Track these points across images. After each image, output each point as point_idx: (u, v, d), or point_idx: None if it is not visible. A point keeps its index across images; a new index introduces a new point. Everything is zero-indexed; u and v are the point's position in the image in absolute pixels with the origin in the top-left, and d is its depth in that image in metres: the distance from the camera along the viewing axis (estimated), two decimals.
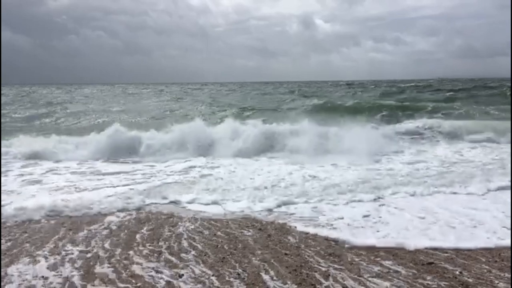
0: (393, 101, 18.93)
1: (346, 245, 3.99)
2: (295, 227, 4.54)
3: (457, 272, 3.38)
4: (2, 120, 15.18)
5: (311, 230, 4.41)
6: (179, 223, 4.71)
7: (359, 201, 5.45)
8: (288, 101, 24.35)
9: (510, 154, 7.76)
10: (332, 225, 4.59)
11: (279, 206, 5.27)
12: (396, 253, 3.80)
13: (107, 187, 6.24)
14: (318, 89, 39.63)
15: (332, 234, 4.27)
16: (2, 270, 3.47)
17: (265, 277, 3.35)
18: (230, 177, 6.80)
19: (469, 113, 15.50)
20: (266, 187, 6.10)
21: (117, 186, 6.31)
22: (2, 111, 18.45)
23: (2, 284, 3.24)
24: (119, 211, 5.15)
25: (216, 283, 3.25)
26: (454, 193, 5.77)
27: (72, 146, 9.24)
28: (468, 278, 3.28)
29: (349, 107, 17.58)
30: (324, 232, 4.35)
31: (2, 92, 36.51)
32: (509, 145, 8.76)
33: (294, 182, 6.37)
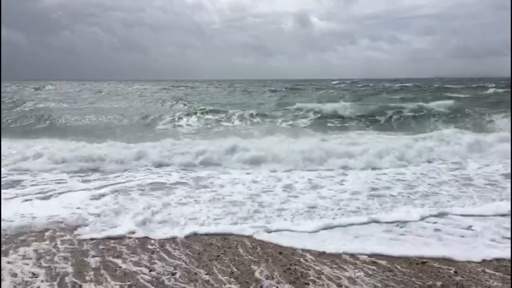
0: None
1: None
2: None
3: (452, 272, 3.36)
4: None
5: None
6: None
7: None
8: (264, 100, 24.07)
9: (510, 158, 7.50)
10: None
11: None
12: (390, 253, 3.77)
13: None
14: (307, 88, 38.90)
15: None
16: None
17: (259, 275, 3.32)
18: None
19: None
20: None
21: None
22: None
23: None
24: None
25: (209, 281, 3.21)
26: None
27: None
28: (463, 277, 3.26)
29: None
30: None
31: None
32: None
33: None
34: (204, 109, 16.96)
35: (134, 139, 10.21)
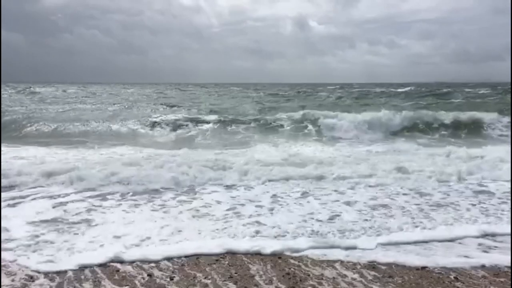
0: None
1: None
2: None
3: (452, 277, 3.34)
4: None
5: None
6: None
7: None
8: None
9: (510, 160, 7.48)
10: None
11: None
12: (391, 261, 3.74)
13: None
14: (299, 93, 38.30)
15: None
16: None
17: (258, 279, 3.30)
18: None
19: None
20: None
21: None
22: None
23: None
24: None
25: (208, 285, 3.19)
26: None
27: None
28: (463, 283, 3.24)
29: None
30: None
31: None
32: None
33: None
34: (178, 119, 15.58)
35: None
